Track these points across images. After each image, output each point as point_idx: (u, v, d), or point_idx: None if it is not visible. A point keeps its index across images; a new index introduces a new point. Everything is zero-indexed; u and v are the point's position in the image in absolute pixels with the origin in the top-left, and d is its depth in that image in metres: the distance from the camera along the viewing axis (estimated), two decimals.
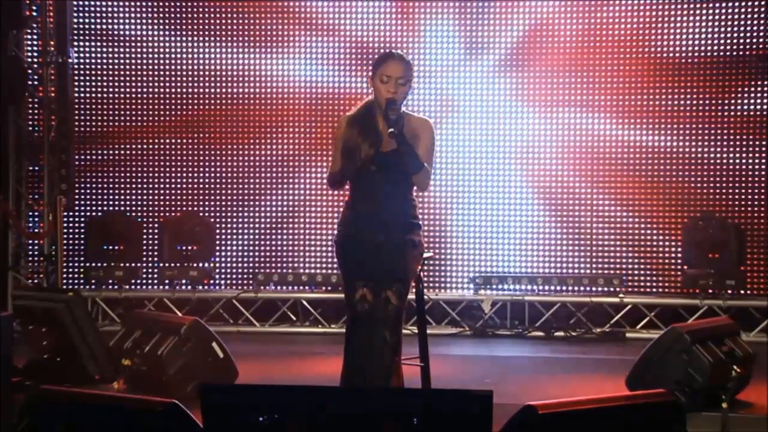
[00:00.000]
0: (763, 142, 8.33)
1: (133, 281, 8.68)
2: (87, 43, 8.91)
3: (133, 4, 8.86)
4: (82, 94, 8.93)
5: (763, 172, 8.33)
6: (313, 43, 8.76)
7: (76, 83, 8.91)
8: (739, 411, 5.38)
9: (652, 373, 5.46)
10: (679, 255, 8.38)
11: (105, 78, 8.93)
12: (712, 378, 5.36)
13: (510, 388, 6.12)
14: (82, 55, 8.89)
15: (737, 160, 8.38)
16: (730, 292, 8.12)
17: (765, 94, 8.31)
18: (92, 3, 8.89)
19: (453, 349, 7.75)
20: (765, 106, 8.32)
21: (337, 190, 4.84)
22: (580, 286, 8.46)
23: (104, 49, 8.90)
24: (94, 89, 8.95)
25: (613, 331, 8.24)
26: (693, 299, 8.19)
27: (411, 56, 4.85)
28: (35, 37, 8.84)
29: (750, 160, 8.36)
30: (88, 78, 8.94)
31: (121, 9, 8.87)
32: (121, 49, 8.87)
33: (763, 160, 8.34)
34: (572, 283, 8.47)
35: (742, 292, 8.19)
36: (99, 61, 8.92)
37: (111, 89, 8.93)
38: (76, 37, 8.86)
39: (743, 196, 8.38)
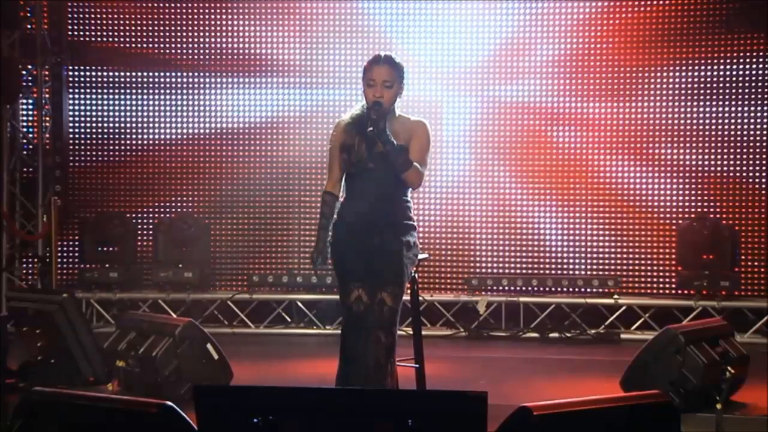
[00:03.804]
0: (757, 145, 8.35)
1: (127, 282, 8.66)
2: (83, 40, 8.90)
3: (131, 6, 8.86)
4: (76, 95, 8.92)
5: (757, 174, 8.35)
6: (310, 46, 8.76)
7: (71, 84, 8.90)
8: (734, 412, 5.38)
9: (646, 374, 5.47)
10: (674, 256, 8.39)
11: (99, 79, 8.92)
12: (706, 379, 5.37)
13: (505, 389, 6.13)
14: (77, 55, 8.88)
15: (731, 162, 8.39)
16: (724, 293, 8.13)
17: (761, 94, 8.32)
18: (89, 5, 8.88)
19: (448, 351, 7.75)
20: (759, 111, 8.33)
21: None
22: (574, 287, 8.47)
23: (100, 46, 8.88)
24: (88, 90, 8.94)
25: (607, 333, 8.25)
26: (687, 300, 8.20)
27: (403, 57, 4.83)
28: (30, 37, 8.81)
29: (744, 163, 8.37)
30: (82, 79, 8.93)
31: (120, 9, 8.86)
32: (118, 47, 8.86)
33: (757, 163, 8.35)
34: (567, 285, 8.48)
35: (737, 293, 8.20)
36: (94, 61, 8.91)
37: (105, 90, 8.92)
38: (70, 37, 8.85)
39: (737, 198, 8.40)
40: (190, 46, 8.85)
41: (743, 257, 8.30)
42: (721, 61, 8.36)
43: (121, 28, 8.87)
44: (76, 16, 8.90)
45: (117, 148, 8.94)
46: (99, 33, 8.90)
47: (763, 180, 8.34)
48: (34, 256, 8.82)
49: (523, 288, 8.49)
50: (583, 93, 8.57)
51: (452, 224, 8.71)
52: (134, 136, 8.93)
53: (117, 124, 8.95)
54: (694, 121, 8.44)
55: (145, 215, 8.91)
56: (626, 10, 8.50)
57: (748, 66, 8.32)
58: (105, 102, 8.94)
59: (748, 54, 8.31)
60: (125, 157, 8.93)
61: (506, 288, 8.50)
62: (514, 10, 8.61)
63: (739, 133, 8.38)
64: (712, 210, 8.40)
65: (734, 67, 8.34)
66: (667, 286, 8.48)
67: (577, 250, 8.60)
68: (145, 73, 8.88)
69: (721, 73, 8.38)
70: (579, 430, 3.33)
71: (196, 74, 8.86)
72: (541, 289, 8.52)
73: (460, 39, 8.65)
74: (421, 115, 4.96)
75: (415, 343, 5.08)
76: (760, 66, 8.29)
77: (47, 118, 8.82)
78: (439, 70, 8.65)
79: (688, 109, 8.45)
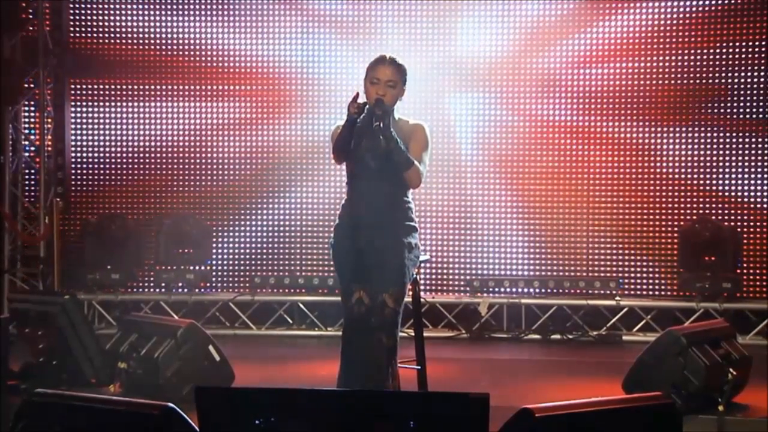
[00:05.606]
0: (759, 146, 8.35)
1: (129, 284, 8.67)
2: (85, 42, 8.90)
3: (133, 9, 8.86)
4: (78, 97, 8.92)
5: (759, 175, 8.35)
6: (315, 47, 8.76)
7: (72, 86, 8.90)
8: (735, 414, 5.38)
9: (648, 376, 5.46)
10: (676, 258, 8.38)
11: (101, 81, 8.91)
12: (708, 381, 5.36)
13: (507, 391, 6.12)
14: (79, 55, 8.88)
15: (733, 163, 8.40)
16: (726, 295, 8.12)
17: (762, 98, 8.33)
18: (90, 7, 8.88)
19: (450, 352, 7.75)
20: (761, 111, 8.34)
21: (342, 161, 4.80)
22: (576, 288, 8.46)
23: (102, 48, 8.88)
24: (90, 92, 8.94)
25: (609, 334, 8.25)
26: (689, 302, 8.20)
27: (402, 57, 4.85)
28: (32, 39, 8.81)
29: (746, 163, 8.37)
30: (84, 81, 8.93)
31: (122, 11, 8.86)
32: (119, 48, 8.86)
33: (759, 163, 8.35)
34: (569, 286, 8.47)
35: (738, 294, 8.20)
36: (95, 66, 8.90)
37: (107, 92, 8.92)
38: (72, 36, 8.85)
39: (739, 199, 8.39)
40: (193, 51, 8.83)
41: (745, 259, 8.30)
42: (724, 65, 8.36)
43: (124, 30, 8.86)
44: (77, 18, 8.89)
45: (119, 149, 8.94)
46: (101, 36, 8.87)
47: (765, 181, 8.34)
48: (36, 258, 8.82)
49: (525, 289, 8.49)
50: (584, 96, 8.56)
51: (454, 226, 8.71)
52: (136, 138, 8.92)
53: (119, 126, 8.94)
54: (697, 122, 8.44)
55: (147, 217, 8.91)
56: (624, 13, 8.49)
57: (751, 70, 8.31)
58: (107, 104, 8.92)
59: (753, 59, 8.31)
60: (127, 159, 8.93)
61: (508, 289, 8.50)
62: (512, 13, 8.61)
63: (741, 134, 8.37)
64: (713, 212, 8.40)
65: (736, 69, 8.34)
66: (669, 287, 8.47)
67: (579, 252, 8.59)
68: (147, 79, 8.86)
69: (724, 75, 8.37)
70: (580, 431, 3.33)
71: (198, 80, 8.84)
72: (543, 290, 8.51)
73: (464, 40, 8.64)
74: (423, 118, 4.97)
75: (417, 345, 5.09)
76: (763, 72, 8.29)
77: (49, 120, 8.83)
78: (443, 71, 8.64)
79: (690, 111, 8.44)
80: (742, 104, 8.36)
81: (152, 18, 8.84)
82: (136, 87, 8.89)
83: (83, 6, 8.88)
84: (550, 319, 8.36)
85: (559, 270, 8.61)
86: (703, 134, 8.43)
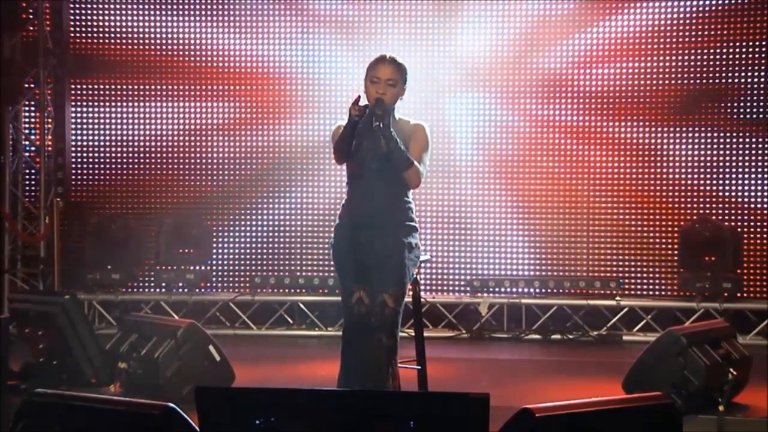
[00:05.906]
0: (759, 146, 8.35)
1: (129, 284, 8.67)
2: (85, 42, 8.90)
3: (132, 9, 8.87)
4: (78, 97, 8.92)
5: (759, 175, 8.35)
6: (316, 47, 8.75)
7: (73, 85, 8.90)
8: (735, 414, 5.38)
9: (648, 376, 5.47)
10: (676, 258, 8.38)
11: (101, 81, 8.91)
12: (708, 381, 5.36)
13: (507, 391, 6.12)
14: (79, 55, 8.88)
15: (733, 163, 8.40)
16: (726, 295, 8.12)
17: (762, 98, 8.33)
18: (90, 7, 8.88)
19: (450, 352, 7.75)
20: (761, 111, 8.34)
21: (342, 161, 4.79)
22: (576, 288, 8.47)
23: (102, 48, 8.88)
24: (90, 92, 8.94)
25: (609, 334, 8.25)
26: (689, 302, 8.20)
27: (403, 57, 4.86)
28: (32, 39, 8.82)
29: (746, 163, 8.37)
30: (84, 80, 8.92)
31: (120, 5, 8.86)
32: (119, 48, 8.86)
33: (759, 163, 8.35)
34: (569, 286, 8.48)
35: (739, 294, 8.20)
36: (96, 67, 8.90)
37: (107, 91, 8.92)
38: (72, 36, 8.85)
39: (739, 199, 8.39)
40: (193, 51, 8.83)
41: (745, 259, 8.30)
42: (724, 65, 8.36)
43: (124, 30, 8.86)
44: (77, 18, 8.89)
45: (119, 149, 8.94)
46: (101, 36, 8.87)
47: (765, 181, 8.34)
48: (36, 258, 8.82)
49: (525, 289, 8.49)
50: (584, 96, 8.56)
51: (454, 226, 8.71)
52: (136, 138, 8.92)
53: (119, 126, 8.94)
54: (696, 122, 8.44)
55: (147, 217, 8.91)
56: (624, 13, 8.49)
57: (751, 70, 8.31)
58: (107, 103, 8.92)
59: (753, 59, 8.32)
60: (127, 159, 8.93)
61: (508, 289, 8.50)
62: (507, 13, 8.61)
63: (741, 134, 8.37)
64: (713, 212, 8.40)
65: (736, 69, 8.34)
66: (669, 287, 8.47)
67: (579, 252, 8.59)
68: (147, 79, 8.85)
69: (724, 75, 8.37)
70: (580, 431, 3.33)
71: (198, 80, 8.83)
72: (543, 290, 8.51)
73: (464, 40, 8.63)
74: (423, 118, 4.97)
75: (417, 345, 5.09)
76: (763, 72, 8.29)
77: (49, 120, 8.83)
78: (443, 71, 8.63)
79: (690, 111, 8.44)
80: (742, 104, 8.36)
81: (152, 18, 8.85)
82: (136, 87, 8.89)
83: (83, 6, 8.89)
84: (551, 319, 8.36)
85: (559, 270, 8.61)
86: (703, 134, 8.44)
